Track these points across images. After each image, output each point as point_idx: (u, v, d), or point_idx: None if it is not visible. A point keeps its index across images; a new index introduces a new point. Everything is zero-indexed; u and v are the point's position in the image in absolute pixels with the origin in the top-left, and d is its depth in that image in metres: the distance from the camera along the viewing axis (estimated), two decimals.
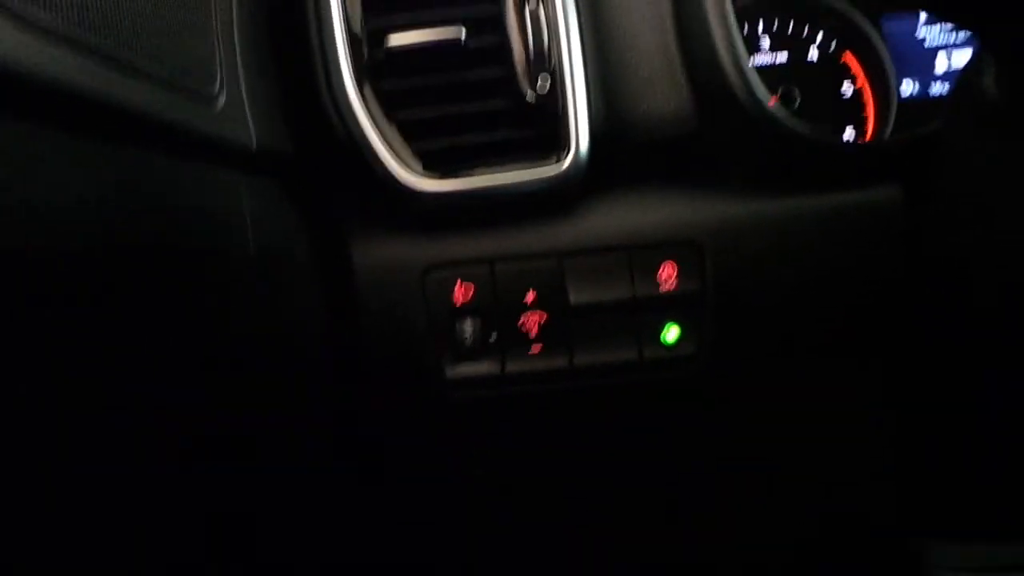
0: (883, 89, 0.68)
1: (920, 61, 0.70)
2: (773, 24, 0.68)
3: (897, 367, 0.62)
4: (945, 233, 0.54)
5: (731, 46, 0.56)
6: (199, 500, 0.54)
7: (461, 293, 0.55)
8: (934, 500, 0.67)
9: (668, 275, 0.56)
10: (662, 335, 0.57)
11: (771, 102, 0.66)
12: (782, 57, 0.68)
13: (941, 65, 0.70)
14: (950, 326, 0.56)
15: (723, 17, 0.56)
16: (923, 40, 0.70)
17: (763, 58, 0.68)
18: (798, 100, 0.66)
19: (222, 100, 0.41)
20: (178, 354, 0.39)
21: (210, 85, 0.41)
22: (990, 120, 0.48)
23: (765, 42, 0.69)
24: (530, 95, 0.55)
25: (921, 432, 0.65)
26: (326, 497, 0.62)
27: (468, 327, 0.55)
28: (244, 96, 0.45)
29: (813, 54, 0.69)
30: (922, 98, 0.68)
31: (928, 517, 0.68)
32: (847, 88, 0.69)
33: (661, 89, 0.58)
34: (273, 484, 0.55)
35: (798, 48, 0.68)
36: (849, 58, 0.69)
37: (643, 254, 0.56)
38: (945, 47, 0.70)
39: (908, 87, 0.69)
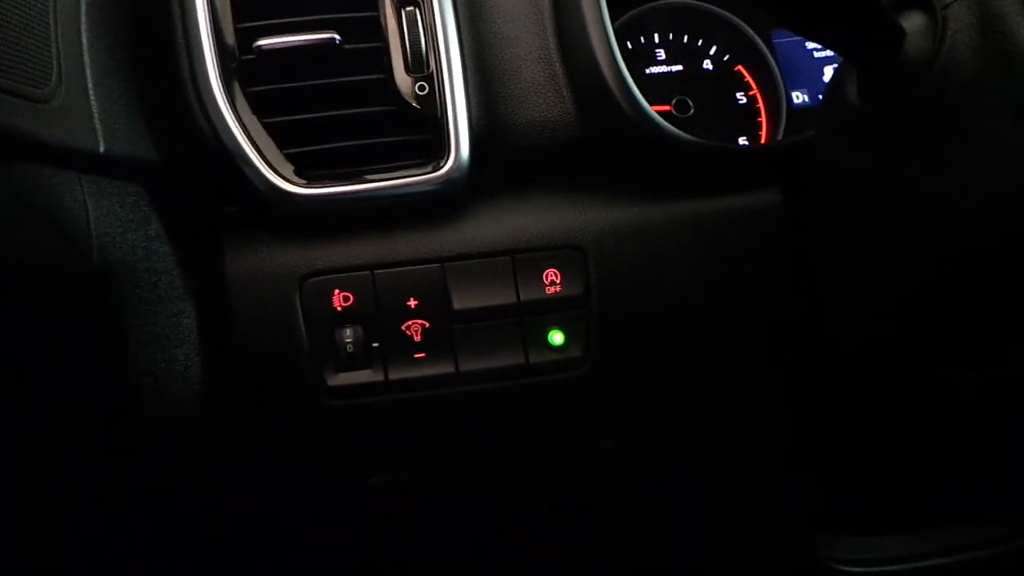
0: (774, 98, 0.70)
1: (809, 71, 0.72)
2: (669, 36, 0.70)
3: (786, 365, 0.63)
4: (814, 235, 0.55)
5: (610, 53, 0.57)
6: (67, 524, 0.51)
7: (340, 301, 0.54)
8: (830, 495, 0.69)
9: (552, 279, 0.56)
10: (548, 338, 0.57)
11: (665, 110, 0.67)
12: (677, 68, 0.69)
13: (829, 74, 0.72)
14: (827, 325, 0.57)
15: (601, 24, 0.57)
16: (812, 51, 0.72)
17: (659, 68, 0.69)
18: (692, 109, 0.67)
19: (57, 100, 0.40)
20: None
21: (41, 85, 0.39)
22: (852, 128, 0.49)
23: (661, 54, 0.70)
24: (408, 99, 0.54)
25: (814, 428, 0.66)
26: (206, 511, 0.59)
27: (348, 335, 0.54)
28: (91, 97, 0.43)
29: (707, 65, 0.70)
30: (813, 105, 0.71)
31: (824, 512, 0.69)
32: (740, 97, 0.71)
33: (543, 95, 0.58)
34: (139, 506, 0.52)
35: (693, 60, 0.70)
36: (741, 69, 0.71)
37: (527, 258, 0.56)
38: (831, 58, 0.72)
39: (799, 96, 0.71)
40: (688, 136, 0.57)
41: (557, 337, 0.57)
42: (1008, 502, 0.69)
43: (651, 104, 0.62)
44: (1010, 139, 0.41)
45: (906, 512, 0.71)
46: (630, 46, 0.69)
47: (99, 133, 0.43)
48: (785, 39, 0.72)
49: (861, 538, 0.69)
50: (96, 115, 0.43)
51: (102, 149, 0.43)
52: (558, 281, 0.56)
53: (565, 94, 0.58)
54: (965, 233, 0.44)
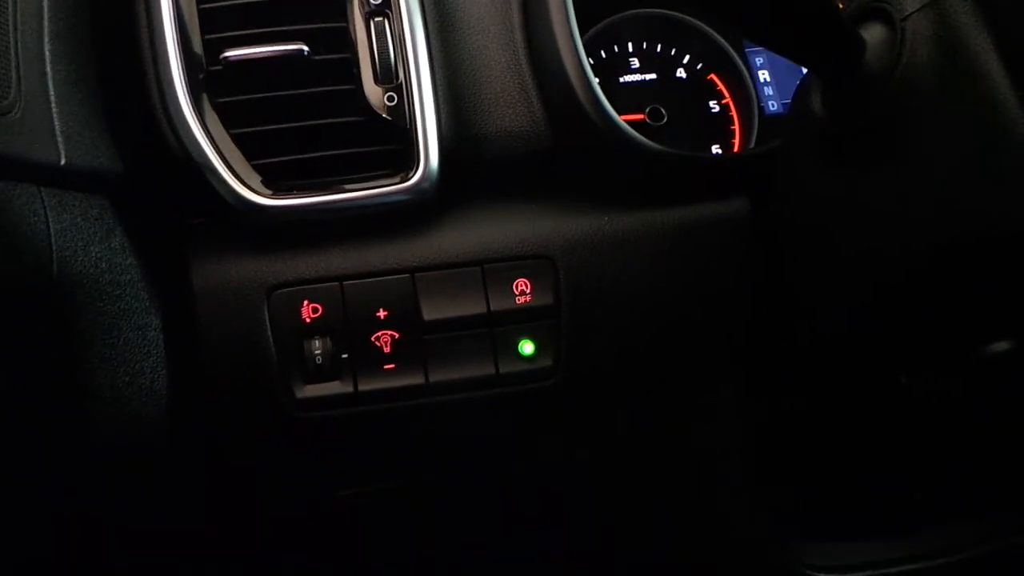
0: (747, 106, 0.71)
1: (783, 79, 0.73)
2: (642, 45, 0.70)
3: (756, 371, 0.63)
4: (780, 244, 0.55)
5: (578, 63, 0.57)
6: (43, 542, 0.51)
7: (309, 312, 0.54)
8: (802, 501, 0.69)
9: (522, 289, 0.56)
10: (518, 348, 0.57)
11: (639, 118, 0.68)
12: (651, 76, 0.70)
13: None
14: (794, 331, 0.57)
15: (570, 35, 0.57)
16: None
17: (632, 77, 0.70)
18: (666, 117, 0.68)
19: (16, 113, 0.39)
20: None
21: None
22: (816, 136, 0.50)
23: (635, 62, 0.70)
24: (377, 110, 0.54)
25: (785, 434, 0.67)
26: (178, 528, 0.58)
27: (318, 346, 0.54)
28: (53, 109, 0.43)
29: (680, 73, 0.71)
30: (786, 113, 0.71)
31: (797, 518, 0.69)
32: (713, 105, 0.71)
33: (513, 106, 0.58)
34: (112, 526, 0.52)
35: (666, 68, 0.70)
36: (714, 77, 0.71)
37: (497, 269, 0.56)
38: None
39: (773, 103, 0.72)
40: (656, 145, 0.58)
41: (527, 347, 0.57)
42: (979, 506, 0.69)
43: (625, 113, 0.63)
44: (964, 147, 0.42)
45: (878, 517, 0.71)
46: (604, 55, 0.69)
47: (60, 145, 0.43)
48: (758, 47, 0.72)
49: (833, 544, 0.70)
50: (57, 127, 0.43)
51: (63, 161, 0.43)
52: (528, 291, 0.56)
53: (535, 104, 0.58)
54: (922, 239, 0.45)
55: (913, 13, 0.43)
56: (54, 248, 0.42)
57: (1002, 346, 0.49)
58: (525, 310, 0.56)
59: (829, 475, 0.69)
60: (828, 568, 0.67)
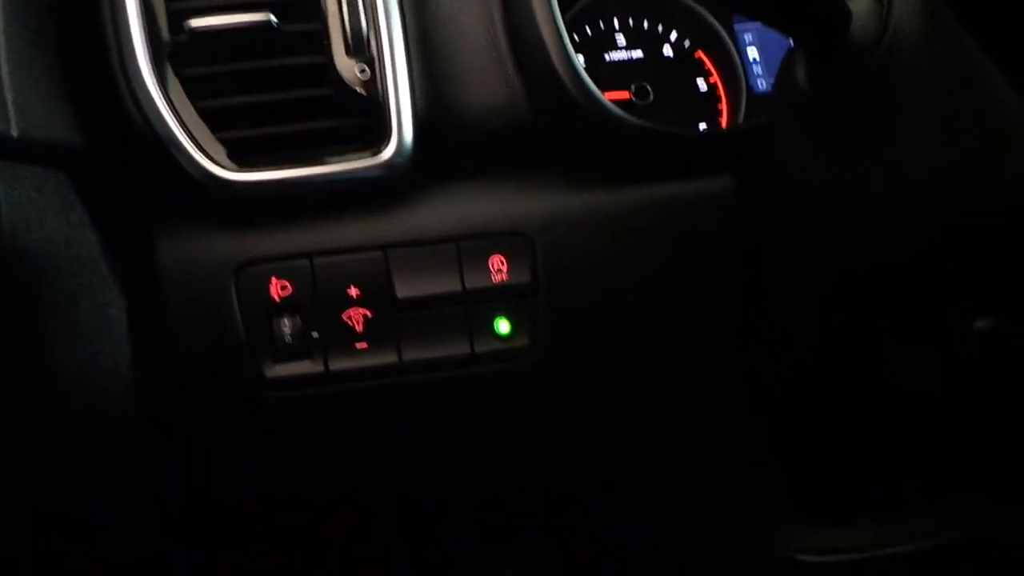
0: (735, 84, 0.69)
1: (772, 57, 0.71)
2: (628, 22, 0.69)
3: (741, 350, 0.62)
4: (764, 221, 0.54)
5: (559, 38, 0.55)
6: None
7: (278, 290, 0.53)
8: (791, 484, 0.68)
9: (498, 267, 0.55)
10: (494, 327, 0.55)
11: (624, 96, 0.66)
12: (637, 54, 0.69)
13: None
14: (780, 312, 0.56)
15: (549, 8, 0.56)
16: (775, 36, 0.71)
17: (618, 55, 0.68)
18: (652, 95, 0.67)
19: None
20: None
21: None
22: (801, 109, 0.49)
23: (621, 39, 0.69)
24: (350, 83, 0.53)
25: (772, 416, 0.66)
26: (161, 518, 0.57)
27: (287, 325, 0.53)
28: (4, 79, 0.42)
29: (667, 51, 0.69)
30: None
31: (785, 501, 0.68)
32: (701, 83, 0.70)
33: (491, 80, 0.57)
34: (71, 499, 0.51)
35: (653, 45, 0.69)
36: (702, 55, 0.70)
37: (472, 245, 0.55)
38: None
39: (763, 82, 0.70)
40: (640, 121, 0.57)
41: (503, 326, 0.55)
42: (965, 488, 0.69)
43: (610, 90, 0.62)
44: (950, 118, 0.41)
45: (868, 500, 0.70)
46: (590, 32, 0.68)
47: (12, 116, 0.41)
48: (749, 23, 0.71)
49: (824, 526, 0.69)
50: (9, 97, 0.42)
51: (16, 134, 0.41)
52: (504, 269, 0.55)
53: (513, 79, 0.57)
54: (909, 211, 0.44)
55: None
56: (3, 220, 0.40)
57: (985, 323, 0.49)
58: (501, 288, 0.55)
59: (818, 457, 0.68)
60: (818, 550, 0.67)
